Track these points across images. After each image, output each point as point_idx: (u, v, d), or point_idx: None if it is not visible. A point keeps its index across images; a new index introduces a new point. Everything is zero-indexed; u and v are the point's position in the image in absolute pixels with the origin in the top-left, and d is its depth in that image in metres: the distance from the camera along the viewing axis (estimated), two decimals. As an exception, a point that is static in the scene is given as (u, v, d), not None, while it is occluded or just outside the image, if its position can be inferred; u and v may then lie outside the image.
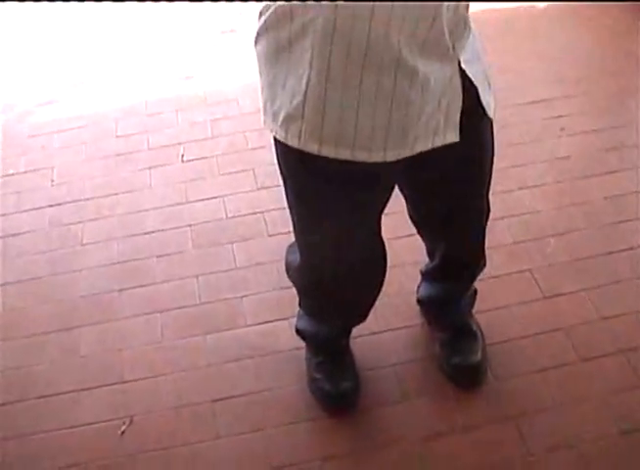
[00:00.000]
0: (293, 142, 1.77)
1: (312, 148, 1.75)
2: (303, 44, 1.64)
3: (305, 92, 1.69)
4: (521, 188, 3.01)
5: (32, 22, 4.61)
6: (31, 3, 4.72)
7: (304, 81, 1.68)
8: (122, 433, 2.38)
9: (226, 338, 2.61)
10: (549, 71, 3.68)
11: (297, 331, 2.45)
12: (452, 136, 1.80)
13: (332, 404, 2.37)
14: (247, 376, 2.49)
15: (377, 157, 1.75)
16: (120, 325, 2.71)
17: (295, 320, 2.46)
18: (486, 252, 2.37)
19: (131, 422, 2.41)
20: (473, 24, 1.79)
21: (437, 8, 1.60)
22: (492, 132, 2.03)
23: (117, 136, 3.61)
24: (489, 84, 1.89)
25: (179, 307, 2.74)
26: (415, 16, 1.58)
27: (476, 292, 2.49)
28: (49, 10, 4.68)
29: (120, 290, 2.83)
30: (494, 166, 2.11)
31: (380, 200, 1.99)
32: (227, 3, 4.44)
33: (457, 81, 1.75)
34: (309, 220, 2.02)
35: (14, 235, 3.14)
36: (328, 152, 1.75)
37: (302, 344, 2.46)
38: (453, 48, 1.70)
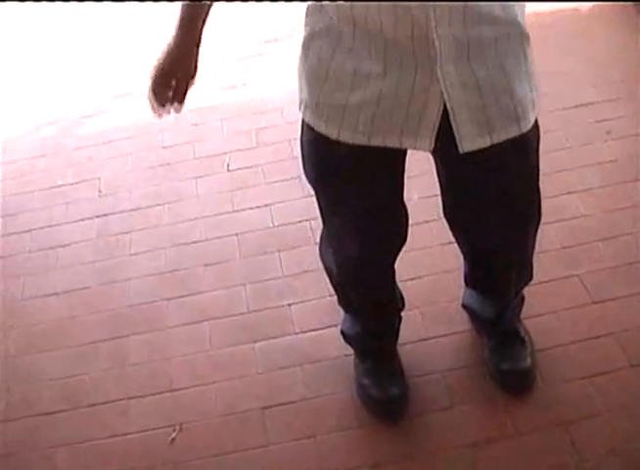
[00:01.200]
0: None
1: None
2: None
3: None
4: (568, 192, 2.99)
5: (78, 33, 4.67)
6: (77, 15, 4.78)
7: None
8: (172, 440, 2.40)
9: (275, 345, 2.62)
10: (594, 74, 3.64)
11: (342, 333, 2.46)
12: (424, 144, 1.79)
13: (380, 410, 2.36)
14: (296, 383, 2.50)
15: (331, 133, 1.83)
16: (169, 334, 2.73)
17: (342, 326, 2.47)
18: (535, 256, 2.35)
19: (181, 429, 2.42)
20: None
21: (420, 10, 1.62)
22: (525, 158, 1.97)
23: (163, 146, 3.64)
24: (508, 117, 1.79)
25: (227, 316, 2.75)
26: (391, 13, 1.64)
27: (523, 298, 2.47)
28: (93, 20, 4.74)
29: (168, 299, 2.85)
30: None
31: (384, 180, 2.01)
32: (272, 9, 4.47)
33: (436, 95, 1.72)
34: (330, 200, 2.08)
35: (62, 246, 3.17)
36: (303, 114, 1.88)
37: (351, 350, 2.46)
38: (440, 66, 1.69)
